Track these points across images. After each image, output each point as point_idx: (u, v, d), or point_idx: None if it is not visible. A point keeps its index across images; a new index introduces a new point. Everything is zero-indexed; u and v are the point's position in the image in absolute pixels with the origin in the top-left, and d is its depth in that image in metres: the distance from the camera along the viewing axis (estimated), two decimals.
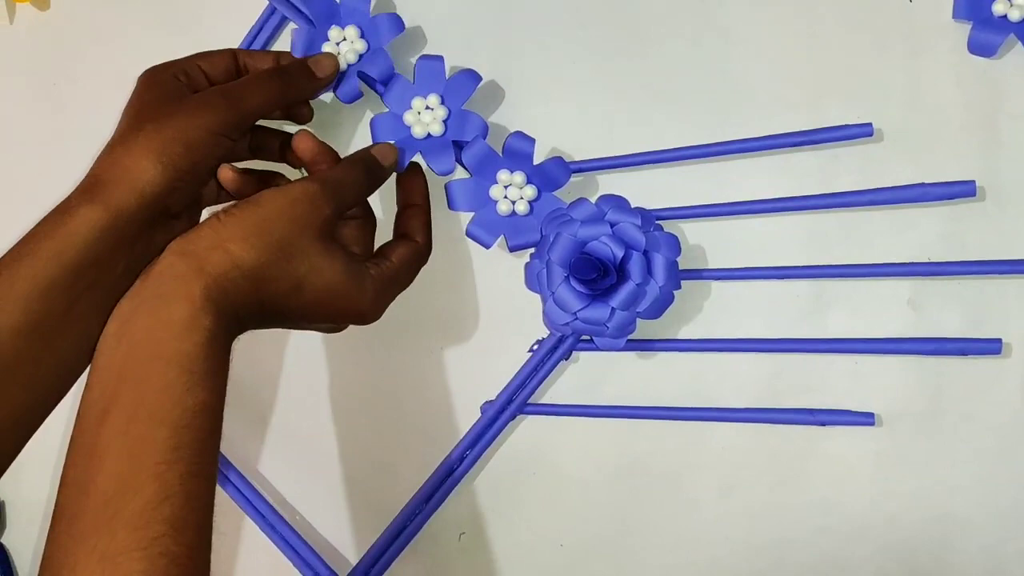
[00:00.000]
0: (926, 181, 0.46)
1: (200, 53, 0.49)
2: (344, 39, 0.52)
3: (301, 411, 0.57)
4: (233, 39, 0.56)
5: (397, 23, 0.51)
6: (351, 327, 0.53)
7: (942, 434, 0.48)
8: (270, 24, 0.55)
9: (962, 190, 0.46)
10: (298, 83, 0.49)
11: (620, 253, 0.46)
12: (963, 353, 0.47)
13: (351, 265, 0.43)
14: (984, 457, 0.47)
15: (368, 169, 0.47)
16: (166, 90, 0.45)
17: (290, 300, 0.42)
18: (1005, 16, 0.45)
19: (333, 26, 0.52)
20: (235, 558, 0.58)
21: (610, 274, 0.46)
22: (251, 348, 0.58)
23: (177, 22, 0.58)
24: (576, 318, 0.47)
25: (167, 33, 0.58)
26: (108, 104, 0.59)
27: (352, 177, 0.45)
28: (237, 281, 0.40)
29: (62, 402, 0.61)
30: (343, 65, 0.51)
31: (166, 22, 0.58)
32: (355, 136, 0.54)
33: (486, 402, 0.52)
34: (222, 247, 0.40)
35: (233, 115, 0.45)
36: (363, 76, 0.52)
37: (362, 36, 0.52)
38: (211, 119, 0.44)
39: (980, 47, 0.46)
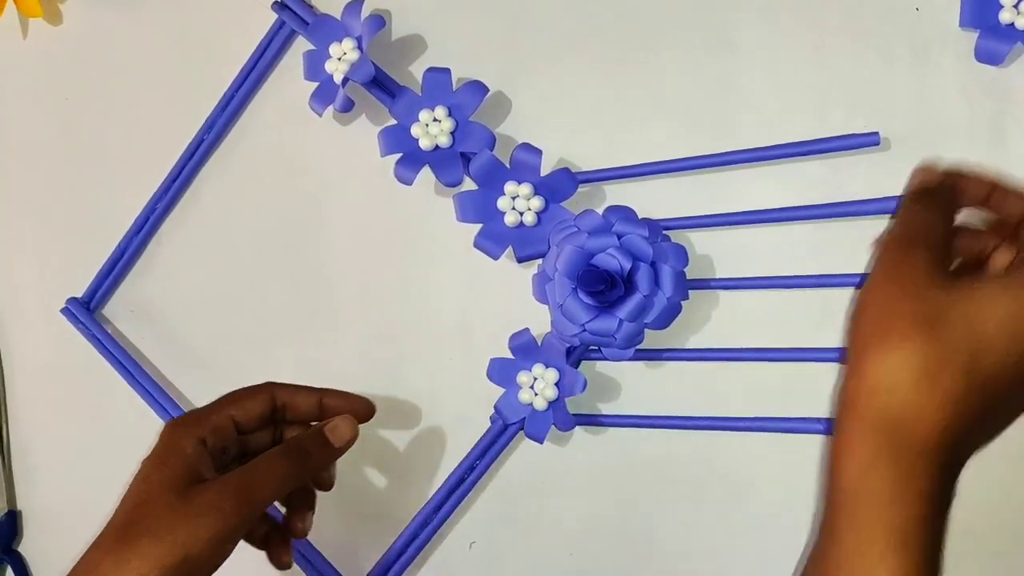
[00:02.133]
0: None
1: (236, 396, 0.47)
2: (344, 54, 0.52)
3: None
4: (243, 51, 0.56)
5: (377, 23, 0.51)
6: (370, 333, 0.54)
7: None
8: (280, 36, 0.56)
9: None
10: (313, 458, 0.46)
11: (627, 265, 0.46)
12: None
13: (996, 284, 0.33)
14: (993, 466, 0.47)
15: None
16: (176, 472, 0.42)
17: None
18: (1012, 24, 0.45)
19: (333, 43, 0.53)
20: (246, 566, 0.58)
21: (617, 286, 0.46)
22: (260, 354, 0.58)
23: (188, 36, 0.59)
24: (584, 330, 0.47)
25: (178, 47, 0.59)
26: (119, 118, 0.60)
27: None
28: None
29: (78, 412, 0.62)
30: (339, 79, 0.52)
31: (177, 36, 0.59)
32: (363, 149, 0.55)
33: (494, 412, 0.52)
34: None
35: (243, 517, 0.42)
36: (371, 90, 0.52)
37: (357, 47, 0.52)
38: (217, 528, 0.41)
39: (987, 55, 0.46)
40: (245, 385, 0.58)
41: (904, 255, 0.35)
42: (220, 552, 0.42)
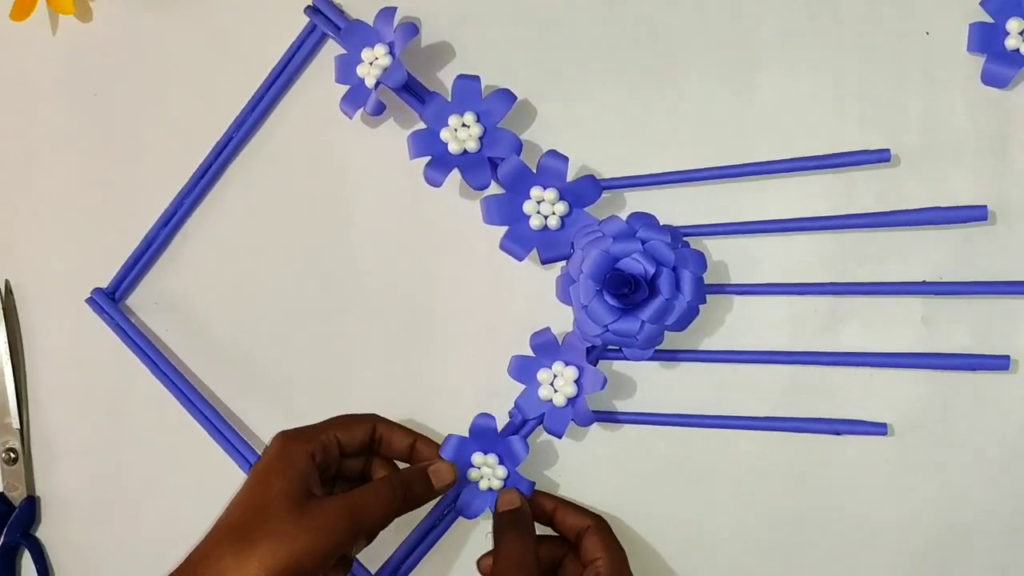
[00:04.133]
0: (940, 205, 0.49)
1: (343, 421, 0.50)
2: (376, 59, 0.54)
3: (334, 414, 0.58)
4: (273, 53, 0.58)
5: (410, 30, 0.52)
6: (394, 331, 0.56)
7: (951, 445, 0.50)
8: (311, 40, 0.57)
9: (974, 214, 0.48)
10: (416, 495, 0.48)
11: (651, 269, 0.48)
12: (972, 368, 0.49)
13: None
14: (991, 467, 0.50)
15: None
16: (294, 484, 0.44)
17: None
18: (1018, 50, 0.48)
19: (365, 48, 0.54)
20: None
21: (641, 289, 0.48)
22: (282, 350, 0.60)
23: (218, 35, 0.60)
24: (607, 330, 0.49)
25: (208, 46, 0.60)
26: (148, 115, 0.61)
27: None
28: None
29: (99, 400, 0.63)
30: (370, 83, 0.53)
31: (208, 35, 0.60)
32: (390, 151, 0.56)
33: (514, 408, 0.54)
34: None
35: (352, 537, 0.44)
36: (401, 95, 0.54)
37: (389, 52, 0.54)
38: (330, 544, 0.43)
39: (993, 79, 0.48)
40: (261, 378, 0.59)
41: None
42: (323, 567, 0.44)
